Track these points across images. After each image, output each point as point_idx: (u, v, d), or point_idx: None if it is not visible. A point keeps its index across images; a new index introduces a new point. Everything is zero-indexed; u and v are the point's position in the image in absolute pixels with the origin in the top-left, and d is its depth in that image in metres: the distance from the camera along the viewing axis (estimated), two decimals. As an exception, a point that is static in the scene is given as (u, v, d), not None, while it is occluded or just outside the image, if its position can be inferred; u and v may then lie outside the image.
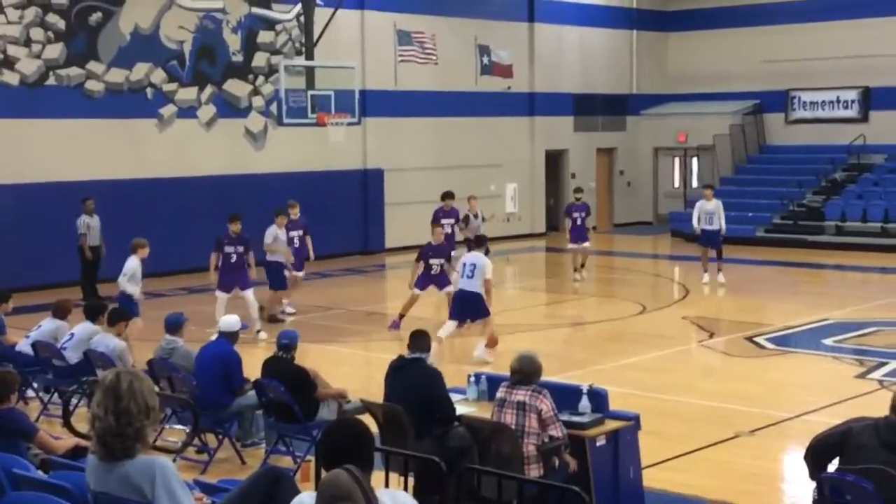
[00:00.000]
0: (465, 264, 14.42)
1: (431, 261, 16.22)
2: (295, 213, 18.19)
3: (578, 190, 22.55)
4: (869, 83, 29.71)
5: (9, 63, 20.52)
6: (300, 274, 18.21)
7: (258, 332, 15.62)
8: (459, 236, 19.38)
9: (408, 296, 16.35)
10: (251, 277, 16.16)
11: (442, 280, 16.36)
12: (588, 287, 21.04)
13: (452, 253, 17.52)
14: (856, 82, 29.84)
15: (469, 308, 14.44)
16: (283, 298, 17.91)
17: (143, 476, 4.40)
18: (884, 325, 16.52)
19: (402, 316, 16.26)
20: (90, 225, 19.30)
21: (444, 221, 19.41)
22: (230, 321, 10.38)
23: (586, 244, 21.24)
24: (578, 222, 20.97)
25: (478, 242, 15.29)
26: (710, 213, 20.54)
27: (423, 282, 16.30)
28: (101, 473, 4.52)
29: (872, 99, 29.81)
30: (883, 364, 13.74)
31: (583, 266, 21.11)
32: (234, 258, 15.94)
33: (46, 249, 20.58)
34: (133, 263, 14.43)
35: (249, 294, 15.95)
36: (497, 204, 27.89)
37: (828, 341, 15.39)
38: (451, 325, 14.56)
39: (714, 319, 17.19)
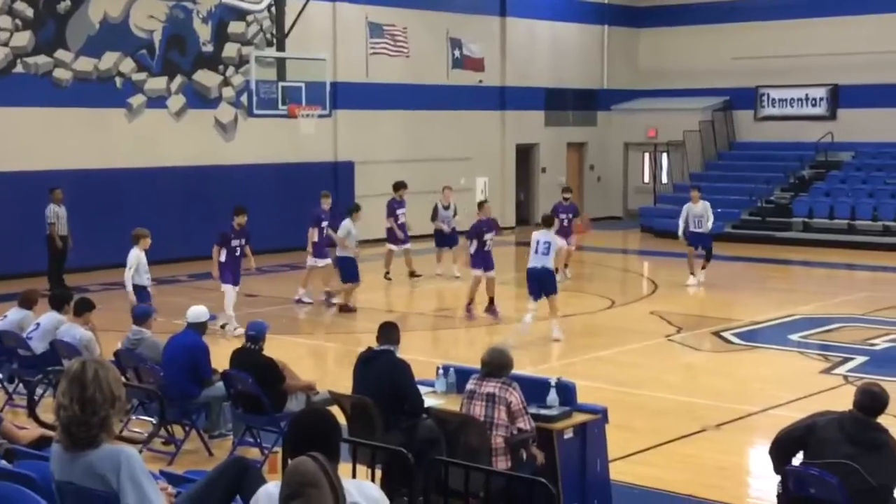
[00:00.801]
0: (538, 241, 14.91)
1: (486, 236, 16.76)
2: (327, 203, 18.56)
3: (567, 190, 21.99)
4: (837, 81, 29.94)
5: (-24, 50, 20.34)
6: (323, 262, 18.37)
7: (223, 326, 15.48)
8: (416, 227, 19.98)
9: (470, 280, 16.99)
10: (251, 268, 16.11)
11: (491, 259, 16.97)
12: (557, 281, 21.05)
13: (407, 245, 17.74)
14: (824, 80, 30.07)
15: (547, 284, 14.91)
16: (301, 288, 18.26)
17: (108, 465, 4.37)
18: (849, 321, 16.66)
19: (471, 301, 16.76)
20: (59, 214, 19.15)
21: (398, 212, 19.61)
22: (198, 312, 10.33)
23: (570, 246, 21.05)
24: (565, 223, 20.70)
25: (547, 222, 15.74)
26: (698, 215, 20.38)
27: (480, 261, 16.83)
28: (65, 463, 4.49)
29: (840, 97, 30.04)
30: (848, 360, 13.86)
31: (566, 266, 20.93)
32: (237, 251, 15.91)
33: (13, 239, 20.40)
34: (135, 254, 14.37)
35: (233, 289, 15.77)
36: (467, 197, 27.86)
37: (794, 337, 15.50)
38: (532, 305, 15.04)
39: (682, 314, 17.27)
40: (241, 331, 14.96)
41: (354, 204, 18.23)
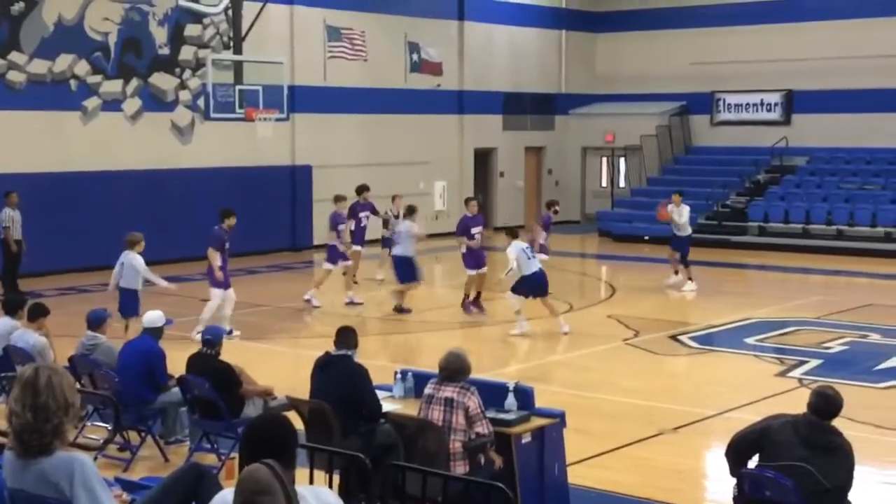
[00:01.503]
0: (522, 249, 15.70)
1: (473, 230, 17.47)
2: (343, 206, 18.94)
3: (554, 203, 20.92)
4: (792, 86, 30.27)
5: (-73, 52, 20.06)
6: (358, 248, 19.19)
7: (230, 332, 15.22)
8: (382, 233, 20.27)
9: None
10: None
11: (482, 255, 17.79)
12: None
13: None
14: (779, 85, 30.39)
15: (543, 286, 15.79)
16: (349, 291, 18.64)
17: (60, 473, 4.33)
18: (803, 325, 16.83)
19: (466, 297, 17.36)
20: (14, 218, 18.93)
21: (360, 214, 19.58)
22: (154, 317, 10.23)
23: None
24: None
25: (513, 234, 16.28)
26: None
27: (472, 260, 17.66)
28: (17, 470, 4.43)
29: (795, 102, 30.37)
30: (802, 363, 14.00)
31: None
32: (227, 254, 15.83)
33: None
34: (140, 260, 14.43)
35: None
36: (426, 201, 27.90)
37: (749, 340, 15.64)
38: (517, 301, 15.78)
39: (639, 318, 17.36)
40: (237, 334, 15.43)
41: (410, 206, 18.67)
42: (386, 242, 20.64)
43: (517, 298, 15.81)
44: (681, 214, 20.39)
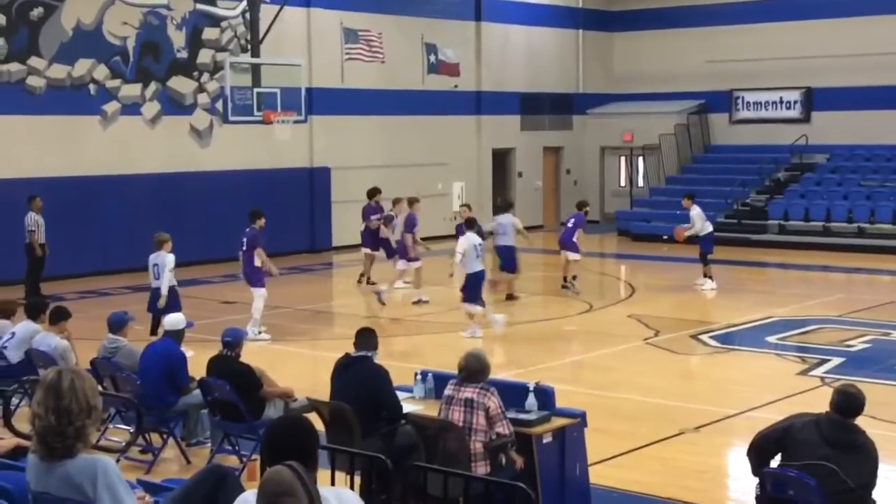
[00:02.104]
0: (476, 246, 15.71)
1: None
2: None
3: (585, 204, 21.19)
4: (811, 84, 30.12)
5: (-52, 58, 20.19)
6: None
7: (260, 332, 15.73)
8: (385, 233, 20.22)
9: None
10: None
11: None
12: (535, 285, 21.09)
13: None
14: (798, 83, 30.25)
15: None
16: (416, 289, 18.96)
17: (84, 475, 4.34)
18: (825, 323, 16.74)
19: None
20: (38, 223, 19.05)
21: (372, 217, 19.75)
22: (175, 319, 10.27)
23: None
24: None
25: (470, 225, 16.25)
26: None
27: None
28: (41, 473, 4.45)
29: (814, 99, 30.23)
30: (824, 361, 13.93)
31: (574, 278, 20.56)
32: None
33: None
34: (171, 258, 14.71)
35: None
36: (444, 202, 27.91)
37: (771, 339, 15.57)
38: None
39: (659, 317, 17.30)
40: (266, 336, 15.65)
41: (508, 201, 20.23)
42: (379, 242, 20.46)
43: (470, 305, 15.82)
44: (694, 219, 20.23)
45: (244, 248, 15.98)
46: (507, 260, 18.62)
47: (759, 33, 30.53)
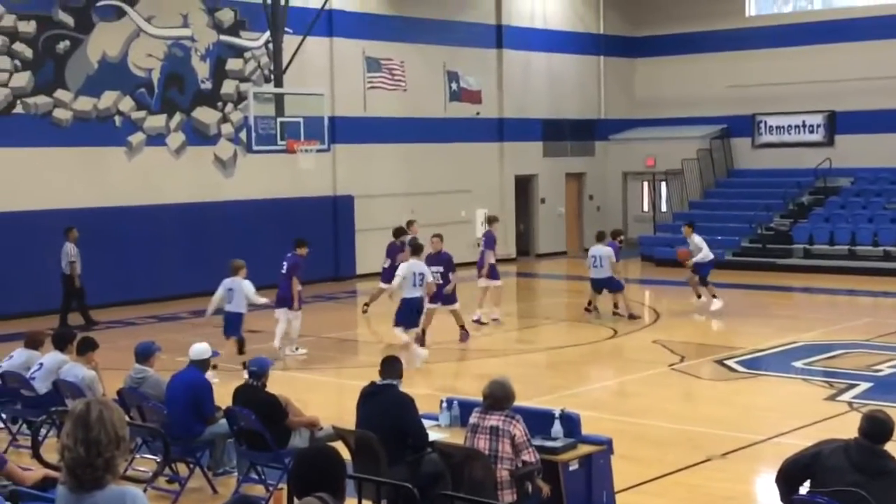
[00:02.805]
0: (414, 274, 15.54)
1: (433, 268, 16.85)
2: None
3: (620, 232, 21.47)
4: (834, 107, 30.05)
5: (-24, 92, 20.41)
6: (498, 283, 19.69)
7: (297, 348, 16.48)
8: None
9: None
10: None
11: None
12: (559, 312, 21.05)
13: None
14: (821, 106, 30.18)
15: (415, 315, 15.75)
16: (478, 309, 19.38)
17: (113, 506, 4.36)
18: (852, 347, 16.63)
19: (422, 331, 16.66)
20: (78, 253, 19.28)
21: (398, 256, 19.86)
22: (201, 349, 10.29)
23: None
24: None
25: (416, 251, 16.23)
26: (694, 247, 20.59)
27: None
28: (71, 504, 4.47)
29: (838, 123, 30.14)
30: (852, 386, 13.83)
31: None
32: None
33: (13, 279, 20.42)
34: (249, 284, 15.35)
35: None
36: (467, 229, 27.93)
37: (797, 364, 15.48)
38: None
39: (684, 343, 17.24)
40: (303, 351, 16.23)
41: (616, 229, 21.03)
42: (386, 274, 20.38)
43: (400, 331, 15.79)
44: (695, 246, 20.53)
45: (284, 270, 16.52)
46: (614, 282, 19.64)
47: (781, 57, 30.51)
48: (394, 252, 20.15)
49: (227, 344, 15.20)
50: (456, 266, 17.71)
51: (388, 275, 20.20)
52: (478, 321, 19.06)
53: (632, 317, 19.45)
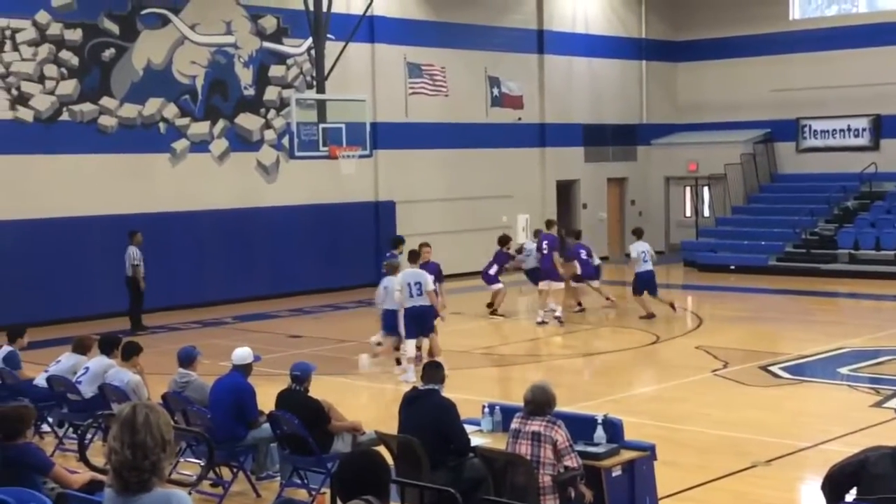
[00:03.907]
0: (409, 284, 15.08)
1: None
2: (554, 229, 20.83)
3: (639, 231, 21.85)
4: (880, 111, 29.74)
5: (23, 99, 20.69)
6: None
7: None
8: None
9: None
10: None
11: None
12: (601, 317, 20.99)
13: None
14: (866, 110, 29.88)
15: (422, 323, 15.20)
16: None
17: (159, 509, 4.40)
18: (899, 354, 16.44)
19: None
20: (141, 256, 19.57)
21: (514, 260, 21.57)
22: (243, 354, 10.34)
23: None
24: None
25: (412, 258, 15.99)
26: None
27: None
28: (117, 507, 4.51)
29: (883, 127, 29.83)
30: (899, 392, 13.67)
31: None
32: None
33: (60, 284, 20.67)
34: (396, 280, 15.47)
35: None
36: (509, 235, 27.85)
37: (843, 370, 15.32)
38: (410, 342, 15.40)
39: (728, 349, 17.11)
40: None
41: (637, 228, 21.47)
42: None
43: (404, 342, 15.48)
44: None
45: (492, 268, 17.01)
46: (650, 284, 20.19)
47: (825, 61, 30.24)
48: (501, 260, 21.05)
49: (385, 340, 15.70)
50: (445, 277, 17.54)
51: (490, 278, 21.18)
52: (543, 322, 19.59)
53: (649, 316, 20.00)
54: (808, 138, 31.26)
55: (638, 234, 21.15)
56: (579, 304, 21.37)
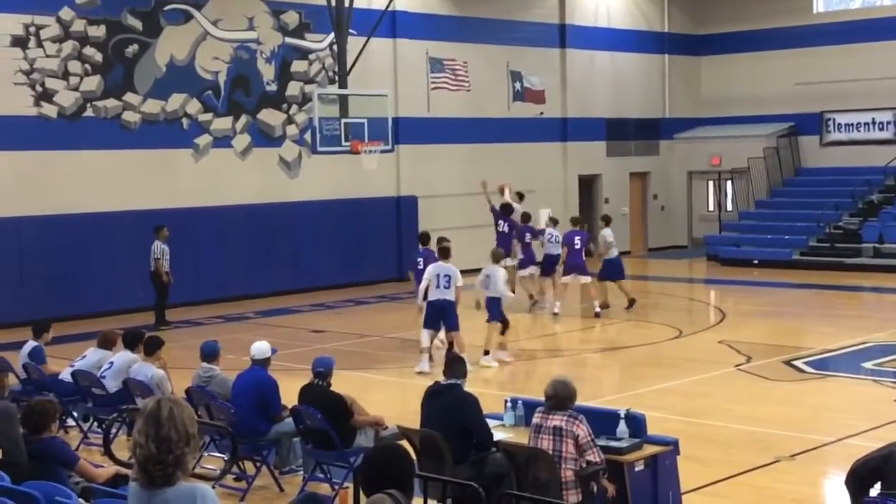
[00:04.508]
0: (439, 276, 15.15)
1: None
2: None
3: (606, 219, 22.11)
4: (904, 104, 29.53)
5: (47, 96, 20.80)
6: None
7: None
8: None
9: None
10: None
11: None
12: (623, 312, 20.94)
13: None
14: (891, 103, 29.65)
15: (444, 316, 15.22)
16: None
17: (184, 502, 4.43)
18: (924, 348, 16.34)
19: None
20: (165, 251, 19.68)
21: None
22: (262, 348, 10.36)
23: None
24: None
25: (442, 254, 15.82)
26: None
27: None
28: (142, 500, 4.54)
29: (908, 120, 29.61)
30: (924, 387, 13.59)
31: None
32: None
33: (84, 279, 20.79)
34: (502, 272, 16.16)
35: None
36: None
37: (867, 364, 15.25)
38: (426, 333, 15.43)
39: (751, 343, 17.05)
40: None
41: (605, 215, 21.81)
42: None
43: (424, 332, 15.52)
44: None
45: (421, 266, 16.54)
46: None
47: (849, 54, 30.04)
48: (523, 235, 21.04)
49: (488, 328, 15.80)
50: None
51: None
52: (598, 315, 19.94)
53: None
54: (833, 132, 31.07)
55: (606, 220, 21.43)
56: (531, 296, 21.19)
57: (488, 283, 15.94)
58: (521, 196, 22.66)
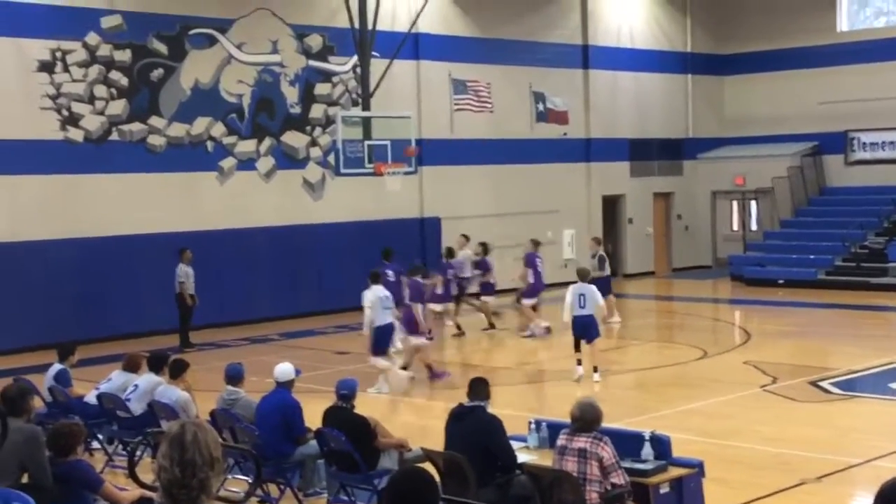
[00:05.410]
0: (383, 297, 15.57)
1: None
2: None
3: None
4: (930, 123, 29.38)
5: (73, 120, 20.98)
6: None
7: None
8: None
9: None
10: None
11: None
12: (648, 332, 20.89)
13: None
14: (916, 122, 29.52)
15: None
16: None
17: (208, 526, 4.44)
18: (952, 368, 16.19)
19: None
20: (188, 273, 19.79)
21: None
22: (285, 370, 10.38)
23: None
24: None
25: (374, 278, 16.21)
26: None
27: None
28: (167, 524, 4.56)
29: (933, 138, 29.46)
30: (952, 408, 13.47)
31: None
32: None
33: (110, 302, 20.90)
34: (595, 288, 16.36)
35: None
36: (555, 250, 27.85)
37: (894, 385, 15.12)
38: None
39: (777, 364, 16.95)
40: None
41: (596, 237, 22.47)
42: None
43: (379, 359, 15.58)
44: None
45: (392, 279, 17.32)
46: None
47: (874, 73, 29.93)
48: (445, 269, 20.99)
49: (585, 347, 16.08)
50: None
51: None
52: (531, 335, 20.06)
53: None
54: (857, 151, 30.94)
55: (597, 241, 22.36)
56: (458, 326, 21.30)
57: (584, 301, 15.96)
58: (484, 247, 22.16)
